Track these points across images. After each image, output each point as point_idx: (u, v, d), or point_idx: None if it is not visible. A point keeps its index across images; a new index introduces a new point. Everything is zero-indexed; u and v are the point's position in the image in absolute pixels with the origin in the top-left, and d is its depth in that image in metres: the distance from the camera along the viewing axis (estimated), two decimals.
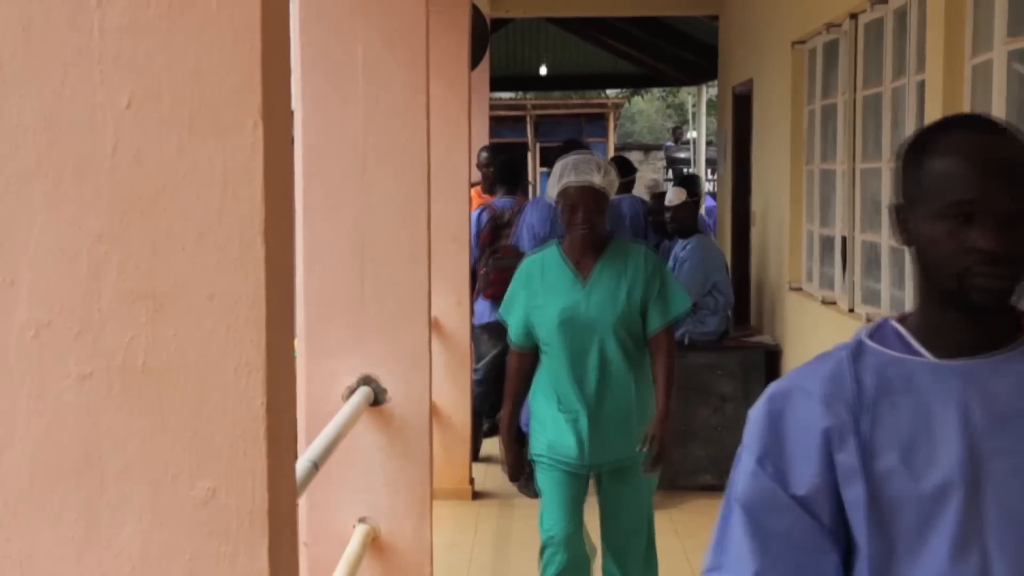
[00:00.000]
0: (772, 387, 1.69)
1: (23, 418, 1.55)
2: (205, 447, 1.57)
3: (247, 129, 1.54)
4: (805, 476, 1.61)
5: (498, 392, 6.33)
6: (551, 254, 4.13)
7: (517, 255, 6.31)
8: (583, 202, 3.98)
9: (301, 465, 2.88)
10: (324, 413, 3.58)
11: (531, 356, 4.14)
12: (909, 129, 4.74)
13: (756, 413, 1.67)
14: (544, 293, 4.06)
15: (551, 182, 4.06)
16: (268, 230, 1.56)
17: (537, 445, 4.12)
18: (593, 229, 4.01)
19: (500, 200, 7.20)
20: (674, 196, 7.00)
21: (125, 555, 1.57)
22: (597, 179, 4.00)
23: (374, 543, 3.77)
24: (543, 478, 4.09)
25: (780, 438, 1.63)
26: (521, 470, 4.25)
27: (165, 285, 1.55)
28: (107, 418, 1.56)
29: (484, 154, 7.75)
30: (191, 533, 1.58)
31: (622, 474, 4.09)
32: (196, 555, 1.58)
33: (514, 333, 4.15)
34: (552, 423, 4.07)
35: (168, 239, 1.55)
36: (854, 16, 5.58)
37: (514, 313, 4.15)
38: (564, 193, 4.02)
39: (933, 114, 4.18)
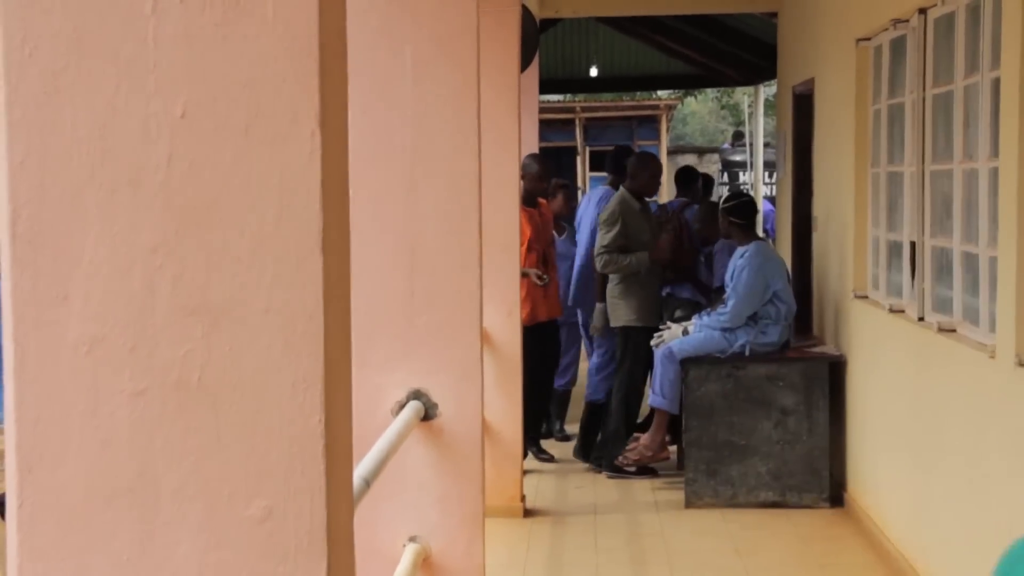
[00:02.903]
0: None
1: (76, 435, 1.52)
2: (261, 465, 1.53)
3: (304, 138, 1.51)
4: None
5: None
6: None
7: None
8: None
9: (353, 483, 2.83)
10: (373, 428, 3.53)
11: None
12: (983, 129, 4.60)
13: None
14: None
15: None
16: (326, 241, 1.52)
17: None
18: None
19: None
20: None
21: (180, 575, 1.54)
22: None
23: (425, 563, 3.70)
24: None
25: None
26: None
27: (220, 298, 1.52)
28: (162, 435, 1.53)
29: (530, 162, 7.29)
30: (247, 553, 1.54)
31: None
32: None
33: None
34: None
35: (223, 251, 1.51)
36: (923, 11, 5.43)
37: None
38: None
39: (1009, 112, 4.05)
